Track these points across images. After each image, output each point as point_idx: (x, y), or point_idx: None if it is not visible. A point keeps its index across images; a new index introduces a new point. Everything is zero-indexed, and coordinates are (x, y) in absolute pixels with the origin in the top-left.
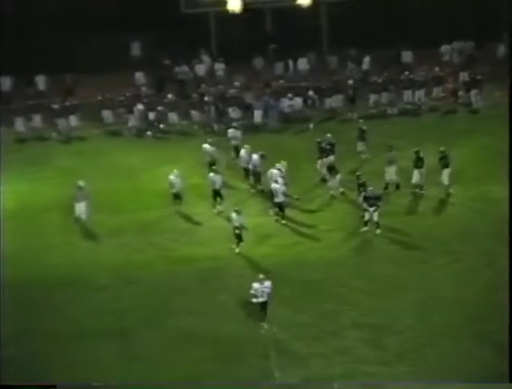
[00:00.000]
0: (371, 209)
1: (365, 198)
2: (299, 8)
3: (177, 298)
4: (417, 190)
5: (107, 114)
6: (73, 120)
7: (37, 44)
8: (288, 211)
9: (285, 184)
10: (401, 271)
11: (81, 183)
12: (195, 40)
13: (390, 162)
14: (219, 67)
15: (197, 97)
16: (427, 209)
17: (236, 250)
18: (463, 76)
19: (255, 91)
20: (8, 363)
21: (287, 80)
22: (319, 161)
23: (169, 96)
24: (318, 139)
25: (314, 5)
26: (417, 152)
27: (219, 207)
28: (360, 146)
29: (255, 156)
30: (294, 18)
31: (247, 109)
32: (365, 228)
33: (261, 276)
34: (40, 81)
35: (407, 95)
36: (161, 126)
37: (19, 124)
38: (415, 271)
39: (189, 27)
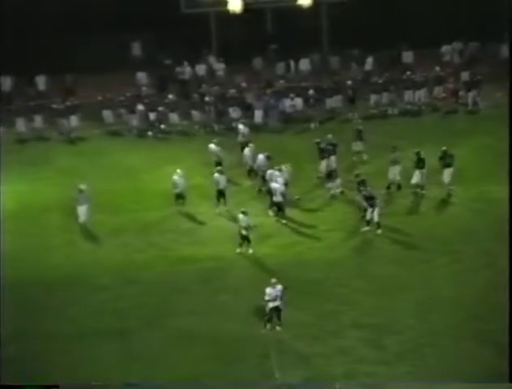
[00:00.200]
0: (370, 209)
1: (365, 198)
2: (299, 8)
3: (178, 298)
4: (418, 190)
5: (107, 114)
6: (73, 120)
7: (37, 44)
8: (289, 211)
9: (285, 184)
10: (401, 271)
11: (82, 186)
12: (196, 40)
13: (394, 162)
14: (220, 67)
15: (197, 97)
16: (428, 209)
17: (238, 250)
18: (464, 76)
19: (256, 91)
20: (8, 363)
21: (287, 80)
22: (322, 162)
23: (170, 96)
24: (317, 140)
25: (315, 5)
26: (418, 153)
27: (222, 207)
28: (357, 146)
29: (261, 157)
30: (294, 18)
31: (248, 109)
32: (367, 228)
33: (273, 280)
34: (41, 81)
35: (408, 95)
36: (162, 126)
37: (20, 124)
38: (415, 271)
39: (189, 28)
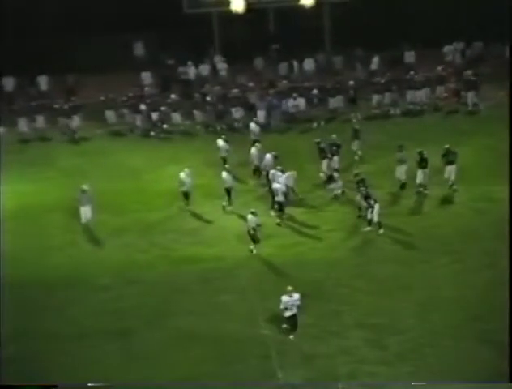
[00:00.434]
0: (369, 209)
1: (364, 197)
2: (302, 8)
3: (178, 298)
4: (421, 190)
5: (110, 114)
6: (76, 120)
7: (38, 44)
8: (290, 211)
9: (286, 185)
10: (402, 271)
11: (85, 186)
12: (198, 40)
13: (401, 161)
14: (222, 67)
15: (200, 97)
16: (429, 209)
17: (253, 250)
18: (466, 76)
19: (258, 91)
20: (8, 363)
21: (290, 80)
22: (323, 162)
23: (172, 96)
24: (317, 139)
25: (317, 5)
26: (421, 153)
27: (227, 207)
28: (354, 145)
29: (268, 156)
30: (297, 18)
31: (250, 109)
32: (368, 228)
33: (289, 288)
34: (42, 81)
35: (410, 95)
36: (164, 126)
37: (23, 125)
38: (416, 271)
39: (192, 28)
